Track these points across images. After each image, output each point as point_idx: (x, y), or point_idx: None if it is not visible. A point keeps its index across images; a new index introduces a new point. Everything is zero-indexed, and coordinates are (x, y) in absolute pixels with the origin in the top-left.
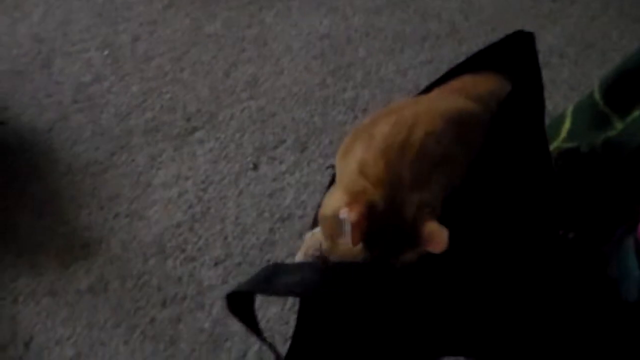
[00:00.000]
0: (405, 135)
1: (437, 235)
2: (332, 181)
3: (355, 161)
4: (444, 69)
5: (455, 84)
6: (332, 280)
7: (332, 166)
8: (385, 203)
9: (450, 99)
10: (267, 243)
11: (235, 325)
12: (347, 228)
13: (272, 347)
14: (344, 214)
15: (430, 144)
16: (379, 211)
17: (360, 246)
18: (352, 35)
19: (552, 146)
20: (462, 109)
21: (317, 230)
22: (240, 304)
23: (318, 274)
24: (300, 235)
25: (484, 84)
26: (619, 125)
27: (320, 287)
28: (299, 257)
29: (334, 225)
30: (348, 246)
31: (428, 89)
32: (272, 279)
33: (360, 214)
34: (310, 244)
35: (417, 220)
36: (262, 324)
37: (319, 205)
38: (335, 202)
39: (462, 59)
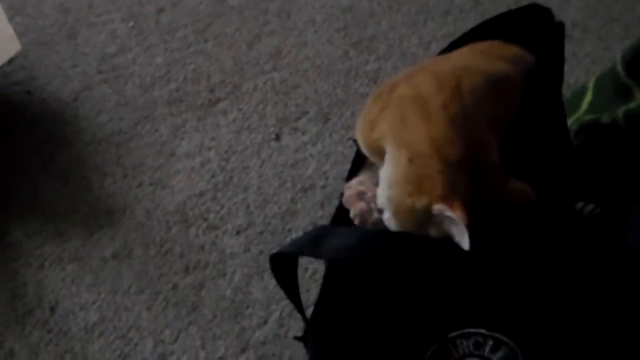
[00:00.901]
0: (458, 100)
1: (524, 191)
2: (358, 153)
3: (423, 139)
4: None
5: (483, 45)
6: (389, 247)
7: (355, 140)
8: (472, 182)
9: (485, 58)
10: (289, 212)
11: (257, 293)
12: (452, 227)
13: (303, 314)
14: (444, 211)
15: (480, 105)
16: (470, 195)
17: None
18: (375, 8)
19: (573, 118)
20: (499, 69)
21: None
22: (283, 266)
23: (373, 240)
24: (322, 204)
25: (510, 47)
26: None
27: (376, 253)
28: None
29: (423, 219)
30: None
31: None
32: (320, 241)
33: (465, 212)
34: (350, 196)
35: (500, 182)
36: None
37: (349, 177)
38: (419, 196)
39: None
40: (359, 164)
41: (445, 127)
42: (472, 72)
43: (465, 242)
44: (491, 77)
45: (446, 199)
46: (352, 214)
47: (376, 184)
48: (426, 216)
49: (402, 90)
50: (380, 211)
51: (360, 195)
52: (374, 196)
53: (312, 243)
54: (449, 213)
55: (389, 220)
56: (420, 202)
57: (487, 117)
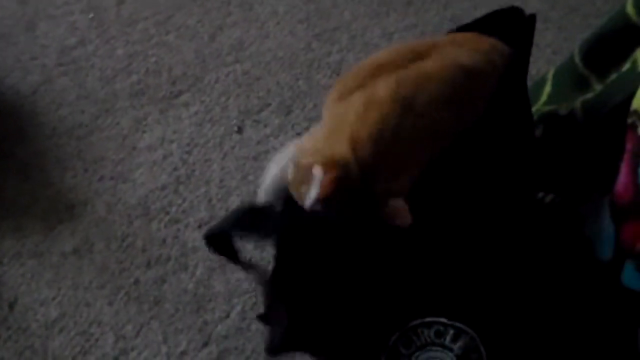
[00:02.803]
0: (399, 117)
1: (400, 211)
2: None
3: (349, 129)
4: (429, 33)
5: (460, 37)
6: (308, 228)
7: None
8: (359, 182)
9: (454, 54)
10: None
11: (219, 286)
12: (315, 186)
13: (254, 269)
14: (317, 172)
15: (422, 127)
16: (348, 186)
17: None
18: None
19: (533, 109)
20: (464, 65)
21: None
22: (219, 242)
23: (295, 219)
24: None
25: (486, 39)
26: (597, 87)
27: (294, 234)
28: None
29: (304, 175)
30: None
31: None
32: (246, 220)
33: (332, 181)
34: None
35: (381, 204)
36: (246, 285)
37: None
38: (315, 155)
39: (446, 23)
40: None
41: (370, 134)
42: (435, 79)
43: (311, 195)
44: (453, 82)
45: (326, 166)
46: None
47: None
48: (308, 175)
49: (371, 87)
50: None
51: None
52: None
53: (238, 222)
54: (318, 175)
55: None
56: (307, 160)
57: (433, 130)
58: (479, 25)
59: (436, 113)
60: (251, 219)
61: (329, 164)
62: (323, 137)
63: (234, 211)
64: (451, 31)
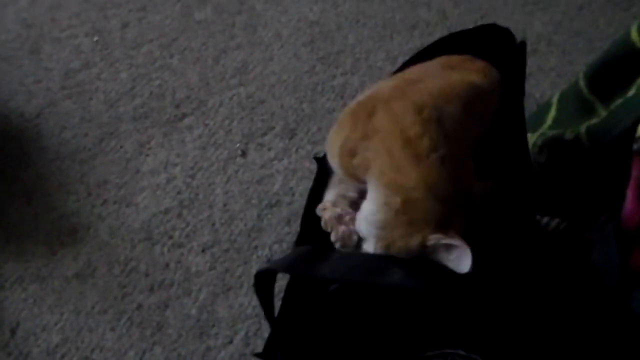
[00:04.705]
0: (443, 138)
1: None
2: (320, 172)
3: (417, 184)
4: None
5: (453, 60)
6: (393, 270)
7: (317, 159)
8: (461, 211)
9: (458, 75)
10: (255, 229)
11: (222, 312)
12: (447, 255)
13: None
14: (441, 239)
15: (460, 133)
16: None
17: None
18: (342, 23)
19: (537, 133)
20: (473, 83)
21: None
22: (265, 283)
23: (375, 262)
24: (288, 221)
25: (479, 62)
26: (602, 112)
27: (378, 275)
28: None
29: (416, 254)
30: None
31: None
32: (312, 261)
33: (461, 236)
34: (329, 219)
35: (477, 201)
36: (249, 310)
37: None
38: (413, 236)
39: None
40: (322, 183)
41: (438, 169)
42: (450, 98)
43: (466, 265)
44: (467, 97)
45: (440, 228)
46: (333, 238)
47: (350, 205)
48: (419, 251)
49: (382, 121)
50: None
51: (340, 219)
52: (353, 219)
53: (304, 262)
54: (445, 241)
55: (374, 250)
56: (415, 240)
57: (465, 141)
58: (466, 37)
59: (461, 125)
60: (316, 261)
61: (434, 227)
62: (390, 216)
63: (293, 253)
64: (432, 45)
